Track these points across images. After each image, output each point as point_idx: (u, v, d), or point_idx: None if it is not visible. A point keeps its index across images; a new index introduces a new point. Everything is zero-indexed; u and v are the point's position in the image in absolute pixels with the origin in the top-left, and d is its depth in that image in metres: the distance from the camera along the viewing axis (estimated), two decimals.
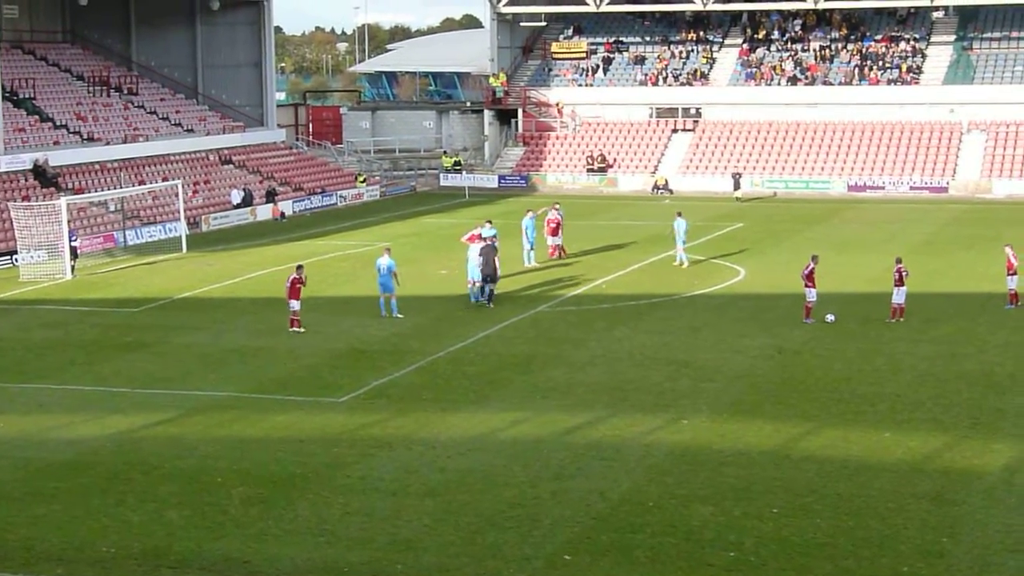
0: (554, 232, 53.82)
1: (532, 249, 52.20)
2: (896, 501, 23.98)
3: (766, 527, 22.81)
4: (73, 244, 54.06)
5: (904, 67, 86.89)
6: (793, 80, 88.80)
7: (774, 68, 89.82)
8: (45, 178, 66.02)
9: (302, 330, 39.91)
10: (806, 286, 40.35)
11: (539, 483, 25.42)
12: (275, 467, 26.80)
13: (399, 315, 41.79)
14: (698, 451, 27.38)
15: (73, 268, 52.90)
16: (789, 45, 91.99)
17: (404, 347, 37.97)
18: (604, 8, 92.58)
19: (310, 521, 23.61)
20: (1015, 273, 41.92)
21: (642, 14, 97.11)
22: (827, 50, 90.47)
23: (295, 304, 40.09)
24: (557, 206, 55.60)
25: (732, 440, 28.06)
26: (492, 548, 22.15)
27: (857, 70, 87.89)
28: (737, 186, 78.37)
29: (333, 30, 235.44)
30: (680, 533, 22.64)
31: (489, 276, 43.65)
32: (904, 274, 40.10)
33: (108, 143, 72.87)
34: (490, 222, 49.01)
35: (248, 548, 22.35)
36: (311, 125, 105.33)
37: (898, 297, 40.17)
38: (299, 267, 41.24)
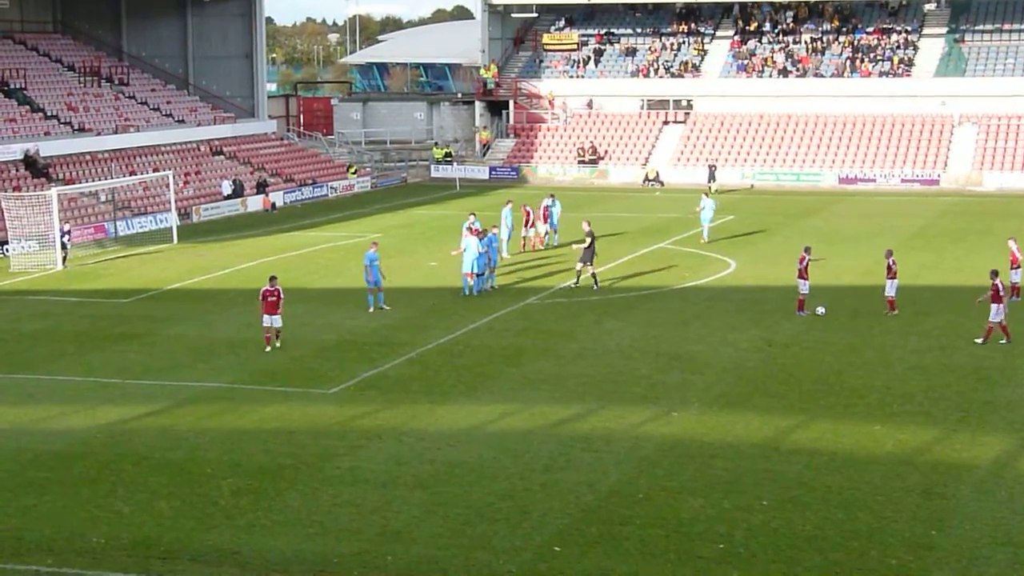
0: (531, 223, 53.97)
1: (508, 240, 52.39)
2: (885, 494, 24.03)
3: (755, 519, 22.85)
4: (64, 240, 53.56)
5: (896, 59, 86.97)
6: (784, 72, 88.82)
7: (765, 60, 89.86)
8: (36, 168, 65.93)
9: (271, 348, 36.63)
10: (800, 278, 40.39)
11: (529, 475, 25.44)
12: (265, 458, 26.80)
13: (372, 309, 41.73)
14: (688, 443, 27.41)
15: (64, 259, 52.90)
16: (781, 37, 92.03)
17: (394, 339, 37.95)
18: None
19: (300, 512, 23.61)
20: (1019, 267, 41.76)
21: (633, 6, 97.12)
22: (819, 42, 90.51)
23: (267, 320, 36.73)
24: (522, 206, 55.61)
25: (722, 433, 28.09)
26: (481, 540, 22.17)
27: (849, 62, 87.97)
28: (712, 178, 78.27)
29: (324, 21, 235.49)
30: (669, 525, 22.66)
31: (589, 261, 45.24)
32: (893, 267, 40.02)
33: (99, 134, 72.77)
34: (474, 215, 49.11)
35: (238, 539, 22.36)
36: (302, 116, 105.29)
37: (890, 290, 40.18)
38: (272, 278, 37.57)
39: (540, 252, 53.33)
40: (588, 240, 45.29)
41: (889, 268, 40.06)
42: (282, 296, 36.98)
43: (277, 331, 37.00)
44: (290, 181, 78.82)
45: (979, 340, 36.19)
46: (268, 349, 36.68)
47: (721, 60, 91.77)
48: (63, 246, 52.84)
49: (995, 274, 36.44)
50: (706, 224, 55.73)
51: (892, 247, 43.49)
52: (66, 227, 54.45)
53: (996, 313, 36.01)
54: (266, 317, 36.81)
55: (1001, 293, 36.16)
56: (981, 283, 45.13)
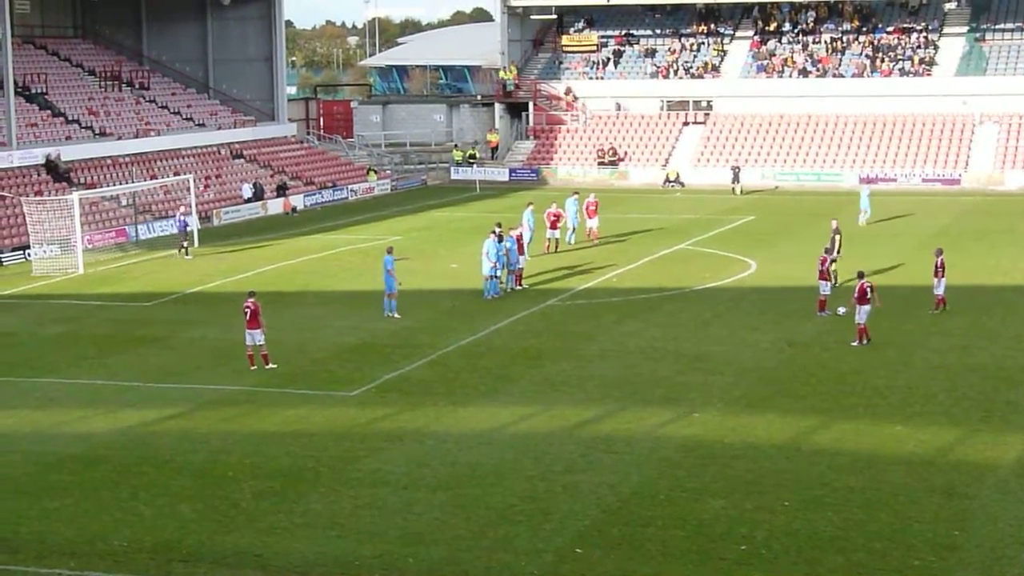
0: (553, 225, 54.05)
1: (530, 242, 52.32)
2: (908, 494, 23.95)
3: (777, 520, 22.79)
4: (185, 228, 55.34)
5: (916, 59, 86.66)
6: (804, 72, 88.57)
7: (785, 60, 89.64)
8: (57, 173, 66.15)
9: (272, 366, 34.87)
10: (821, 279, 40.35)
11: (550, 477, 25.43)
12: (286, 461, 26.85)
13: (395, 315, 41.19)
14: (709, 445, 27.36)
15: (187, 250, 55.15)
16: (800, 37, 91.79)
17: (415, 341, 37.97)
18: (614, 1, 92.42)
19: (321, 515, 23.64)
20: None
21: (652, 6, 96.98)
22: (838, 42, 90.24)
23: (257, 336, 34.77)
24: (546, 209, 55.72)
25: (743, 433, 28.03)
26: (503, 541, 22.16)
27: (869, 62, 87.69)
28: (736, 179, 78.12)
29: (343, 24, 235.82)
30: (691, 526, 22.63)
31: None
32: (941, 266, 39.92)
33: (120, 138, 72.97)
34: (499, 224, 49.22)
35: (259, 542, 22.39)
36: (322, 119, 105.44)
37: (938, 288, 40.11)
38: (251, 294, 35.68)
39: (560, 254, 53.22)
40: (835, 238, 45.46)
41: (936, 268, 39.95)
42: (257, 310, 34.68)
43: (253, 348, 35.02)
44: (310, 184, 78.91)
45: (855, 343, 36.09)
46: (253, 368, 34.85)
47: (741, 60, 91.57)
48: (185, 234, 53.85)
49: (861, 275, 36.51)
50: (865, 209, 60.75)
51: (914, 246, 43.53)
52: (181, 212, 56.49)
53: (860, 314, 36.04)
54: (254, 333, 34.80)
55: (868, 296, 36.03)
56: (1004, 283, 45.17)
